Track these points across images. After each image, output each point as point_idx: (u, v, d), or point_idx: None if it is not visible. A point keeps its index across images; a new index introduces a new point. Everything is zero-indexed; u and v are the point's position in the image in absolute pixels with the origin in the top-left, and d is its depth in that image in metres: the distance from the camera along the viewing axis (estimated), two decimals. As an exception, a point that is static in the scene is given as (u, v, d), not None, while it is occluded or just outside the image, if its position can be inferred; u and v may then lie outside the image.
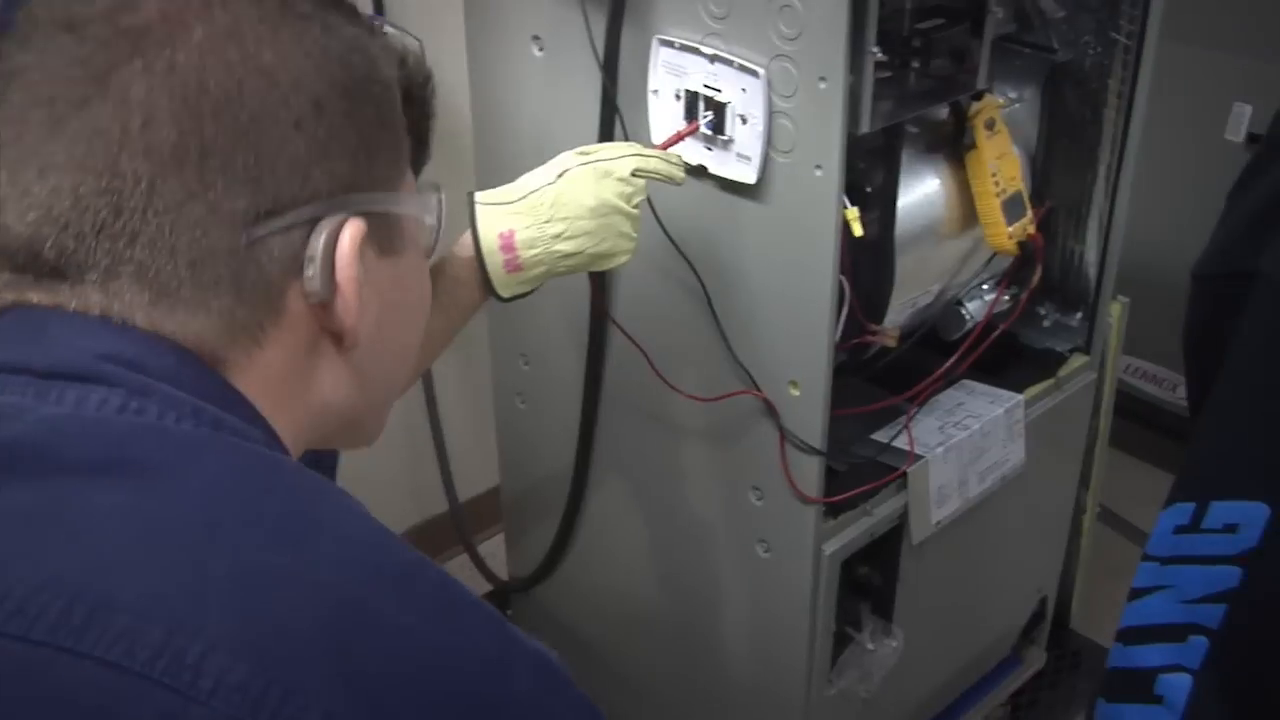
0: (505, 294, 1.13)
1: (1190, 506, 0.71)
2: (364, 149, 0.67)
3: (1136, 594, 0.75)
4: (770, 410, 1.30)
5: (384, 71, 0.70)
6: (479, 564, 1.88)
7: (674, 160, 1.17)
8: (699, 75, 1.21)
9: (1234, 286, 0.68)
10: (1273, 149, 0.69)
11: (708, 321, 1.31)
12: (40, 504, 0.56)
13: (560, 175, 1.10)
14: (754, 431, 1.34)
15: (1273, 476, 0.68)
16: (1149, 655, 0.73)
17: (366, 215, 0.67)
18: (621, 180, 1.11)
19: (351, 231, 0.65)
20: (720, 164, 1.23)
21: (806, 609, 1.38)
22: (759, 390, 1.30)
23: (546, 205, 1.10)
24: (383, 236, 0.69)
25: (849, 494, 1.33)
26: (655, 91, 1.25)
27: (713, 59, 1.19)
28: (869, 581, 1.45)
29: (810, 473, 1.31)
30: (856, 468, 1.37)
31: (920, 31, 1.22)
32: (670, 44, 1.22)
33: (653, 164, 1.14)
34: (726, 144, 1.21)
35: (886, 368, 1.47)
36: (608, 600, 1.66)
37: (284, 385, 0.67)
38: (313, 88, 0.64)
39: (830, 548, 1.35)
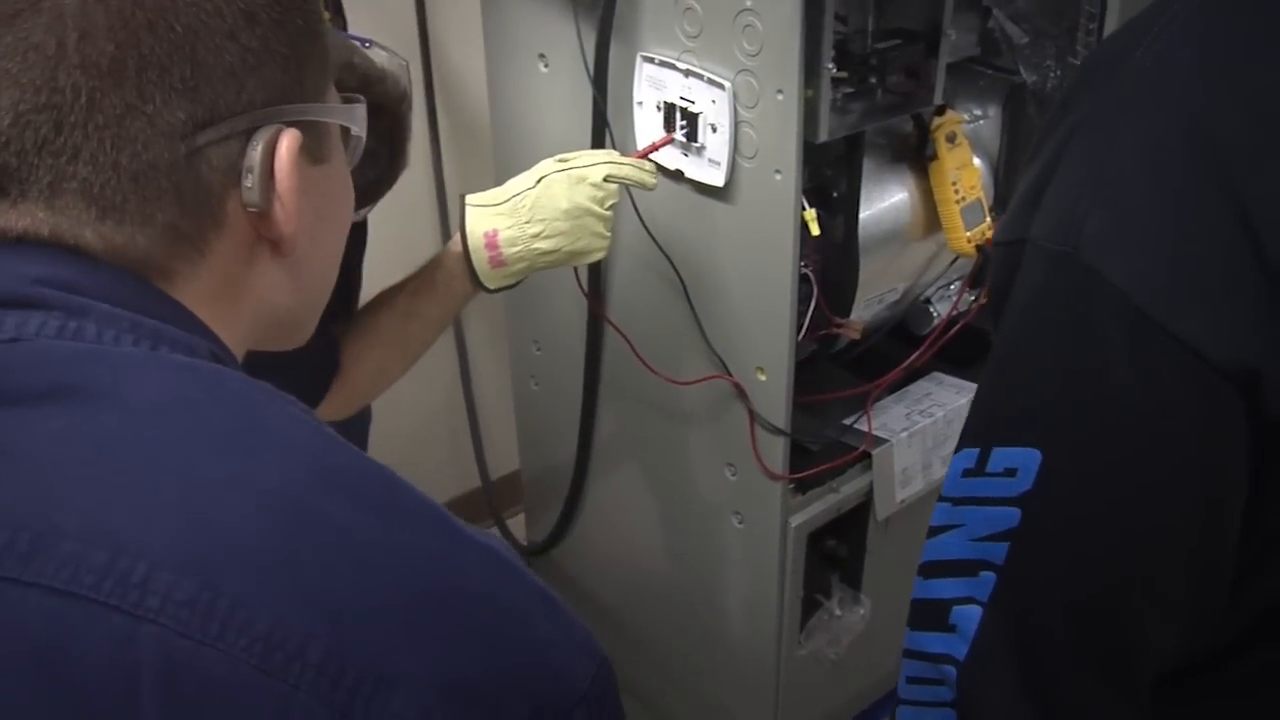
0: (491, 286, 1.18)
1: (976, 452, 0.72)
2: (295, 58, 0.64)
3: (934, 531, 0.76)
4: (741, 393, 1.35)
5: None
6: (505, 534, 1.95)
7: (646, 168, 1.20)
8: (676, 88, 1.26)
9: (1017, 251, 0.71)
10: (1050, 127, 0.71)
11: (686, 312, 1.36)
12: None
13: (539, 181, 1.15)
14: (727, 413, 1.38)
15: (1041, 424, 0.70)
16: (944, 588, 0.74)
17: (299, 125, 0.64)
18: (595, 185, 1.15)
19: (288, 142, 0.63)
20: (694, 169, 1.28)
21: (776, 576, 1.42)
22: (730, 375, 1.35)
23: (526, 208, 1.15)
24: (314, 145, 0.66)
25: (810, 471, 1.37)
26: (640, 103, 1.30)
27: (687, 74, 1.24)
28: (836, 553, 1.49)
29: (776, 451, 1.35)
30: (826, 448, 1.42)
31: (878, 51, 1.25)
32: (651, 60, 1.27)
33: (625, 171, 1.17)
34: (700, 150, 1.26)
35: (865, 358, 1.51)
36: (609, 566, 1.72)
37: (225, 292, 0.65)
38: None
39: (796, 520, 1.40)
